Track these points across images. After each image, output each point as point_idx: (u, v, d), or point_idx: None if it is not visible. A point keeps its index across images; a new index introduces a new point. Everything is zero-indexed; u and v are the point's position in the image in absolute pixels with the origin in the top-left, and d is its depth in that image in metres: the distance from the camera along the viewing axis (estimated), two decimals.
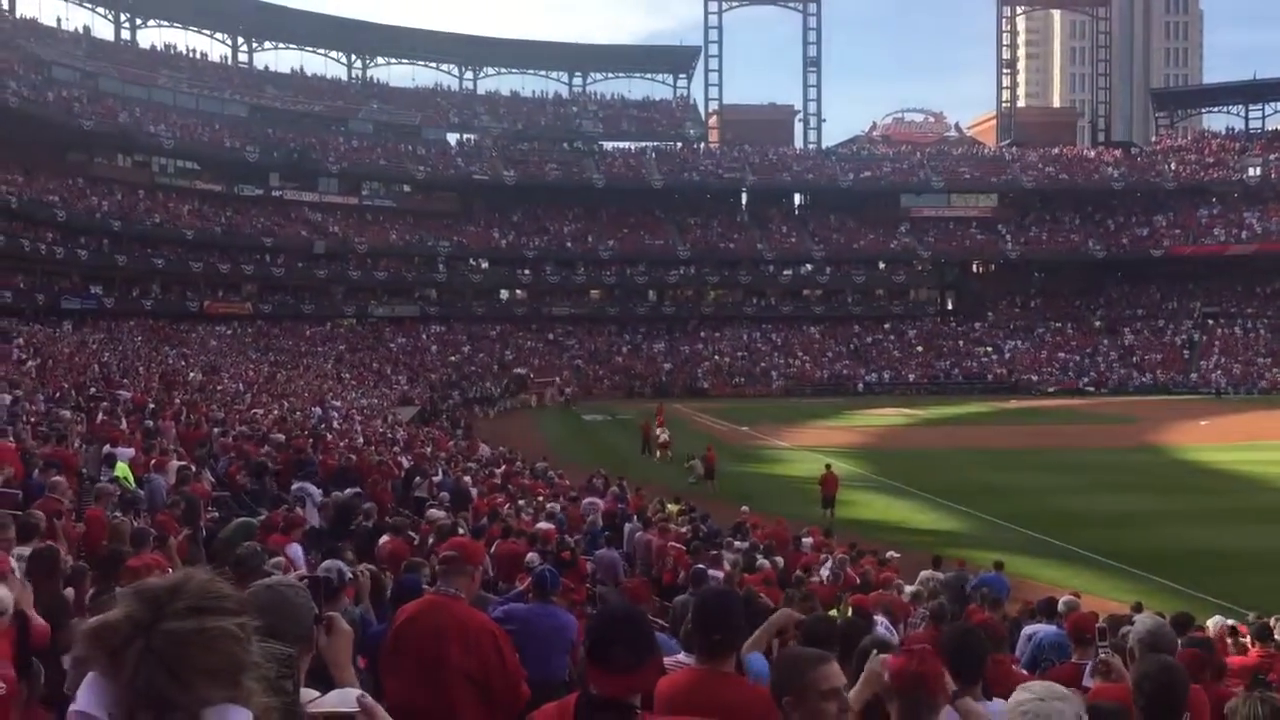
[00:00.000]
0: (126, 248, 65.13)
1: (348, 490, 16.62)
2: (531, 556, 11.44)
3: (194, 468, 15.73)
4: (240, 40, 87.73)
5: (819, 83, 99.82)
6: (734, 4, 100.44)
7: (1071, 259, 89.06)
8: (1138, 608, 12.64)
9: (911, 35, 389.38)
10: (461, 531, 12.08)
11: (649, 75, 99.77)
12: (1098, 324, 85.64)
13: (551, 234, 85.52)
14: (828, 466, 28.19)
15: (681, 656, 4.77)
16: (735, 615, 4.09)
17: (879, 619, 9.21)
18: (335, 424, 31.78)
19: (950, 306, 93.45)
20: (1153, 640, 5.71)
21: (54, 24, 73.75)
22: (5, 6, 70.30)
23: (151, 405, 24.44)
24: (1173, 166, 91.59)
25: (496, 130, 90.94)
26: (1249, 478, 33.61)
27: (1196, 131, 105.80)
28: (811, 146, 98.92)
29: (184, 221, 69.98)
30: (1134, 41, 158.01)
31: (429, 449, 29.41)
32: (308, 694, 2.72)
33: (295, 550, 10.22)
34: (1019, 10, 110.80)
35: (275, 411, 30.65)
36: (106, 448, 15.78)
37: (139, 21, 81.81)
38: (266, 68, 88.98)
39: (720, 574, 13.05)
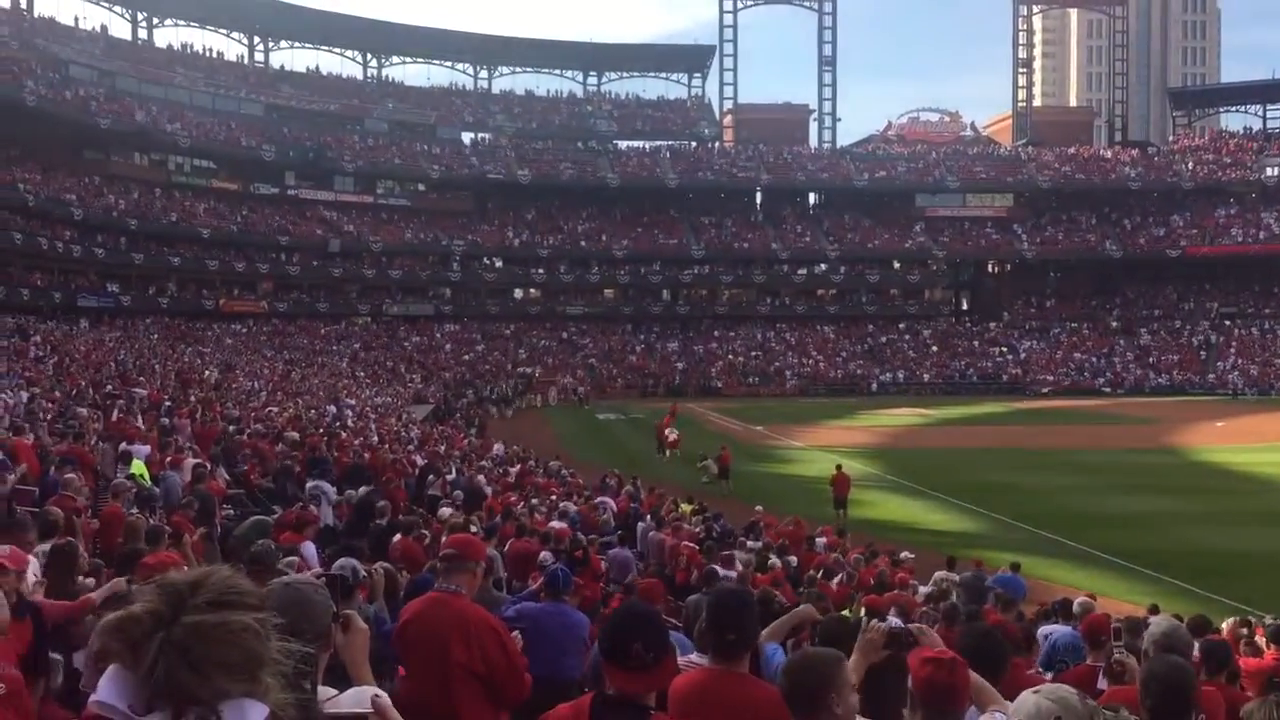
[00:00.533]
0: (143, 246, 65.44)
1: (363, 488, 16.68)
2: (544, 555, 11.46)
3: (209, 465, 15.79)
4: (256, 39, 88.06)
5: (834, 82, 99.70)
6: (749, 3, 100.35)
7: (1087, 259, 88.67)
8: (1154, 610, 12.59)
9: (927, 34, 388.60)
10: (474, 530, 12.09)
11: (664, 74, 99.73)
12: (1114, 324, 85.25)
13: (566, 233, 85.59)
14: (838, 467, 28.12)
15: (694, 656, 4.76)
16: (749, 615, 4.08)
17: (892, 619, 9.18)
18: (350, 422, 31.86)
19: (965, 306, 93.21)
20: (1167, 643, 5.69)
21: (71, 23, 74.17)
22: (23, 5, 70.66)
23: (167, 403, 24.55)
24: (1190, 166, 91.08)
25: (511, 129, 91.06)
26: (1266, 479, 33.39)
27: (1214, 131, 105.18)
28: (826, 146, 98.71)
29: (200, 220, 70.30)
30: (1151, 40, 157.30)
31: (443, 447, 29.49)
32: (325, 692, 2.73)
33: (308, 548, 10.24)
34: (1035, 9, 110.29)
35: (290, 410, 30.76)
36: (122, 445, 15.85)
37: (155, 21, 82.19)
38: (282, 67, 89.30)
39: (733, 574, 13.05)
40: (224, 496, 14.92)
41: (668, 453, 39.51)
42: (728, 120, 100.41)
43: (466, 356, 74.27)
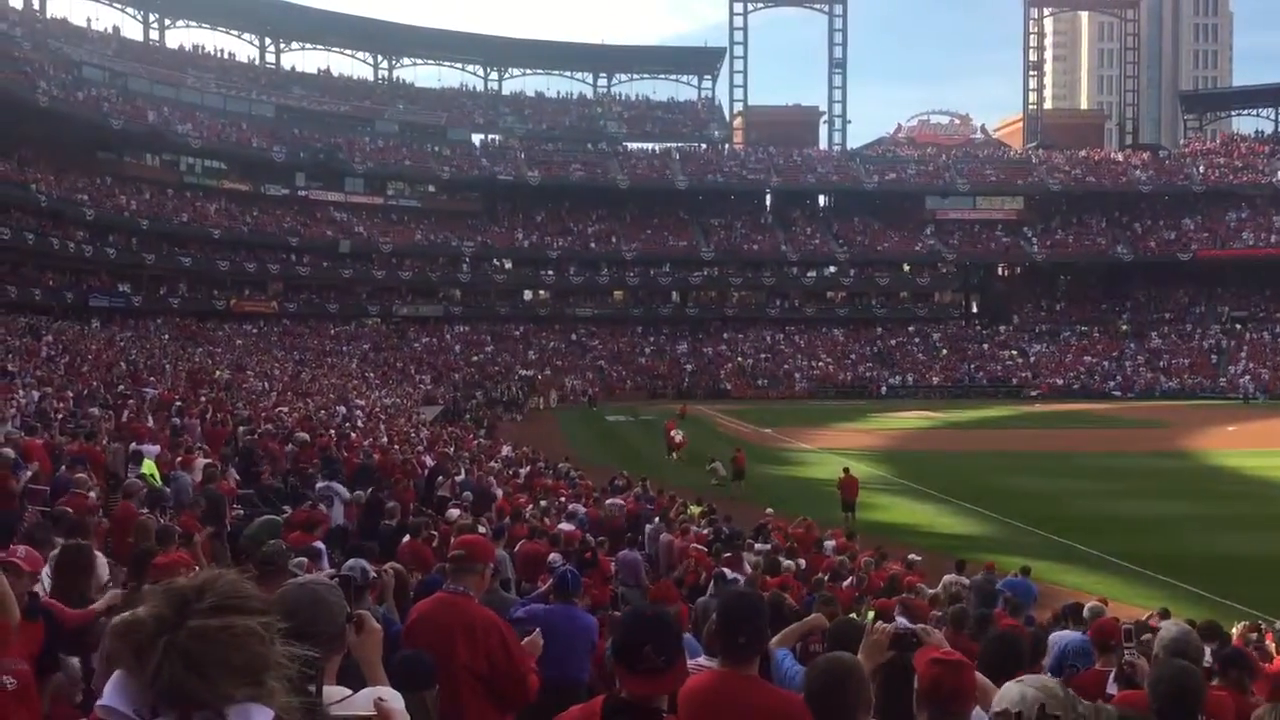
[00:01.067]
0: (154, 246, 65.66)
1: (370, 489, 16.71)
2: (554, 557, 11.46)
3: (220, 465, 15.82)
4: (267, 41, 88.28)
5: (844, 84, 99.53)
6: (759, 5, 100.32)
7: (1098, 262, 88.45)
8: (1164, 614, 12.54)
9: (938, 37, 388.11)
10: (482, 531, 12.10)
11: (674, 76, 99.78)
12: (1124, 328, 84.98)
13: (575, 235, 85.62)
14: (846, 470, 28.08)
15: (703, 659, 4.76)
16: (759, 618, 4.07)
17: (901, 620, 9.16)
18: (359, 423, 31.91)
19: (975, 310, 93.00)
20: (1177, 647, 5.68)
21: (84, 24, 74.46)
22: (36, 6, 71.00)
23: (178, 403, 24.61)
24: (1201, 169, 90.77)
25: (521, 131, 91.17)
26: (1277, 484, 33.25)
27: (1225, 134, 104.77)
28: (836, 148, 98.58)
29: (211, 221, 70.51)
30: (1162, 43, 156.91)
31: (452, 449, 29.51)
32: (340, 692, 2.73)
33: (321, 549, 10.24)
34: (1046, 12, 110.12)
35: (300, 410, 30.83)
36: (133, 445, 15.90)
37: (168, 22, 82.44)
38: (293, 68, 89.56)
39: (741, 576, 13.03)
40: (234, 497, 14.95)
41: (674, 454, 39.49)
42: (738, 122, 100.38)
43: (476, 358, 74.34)
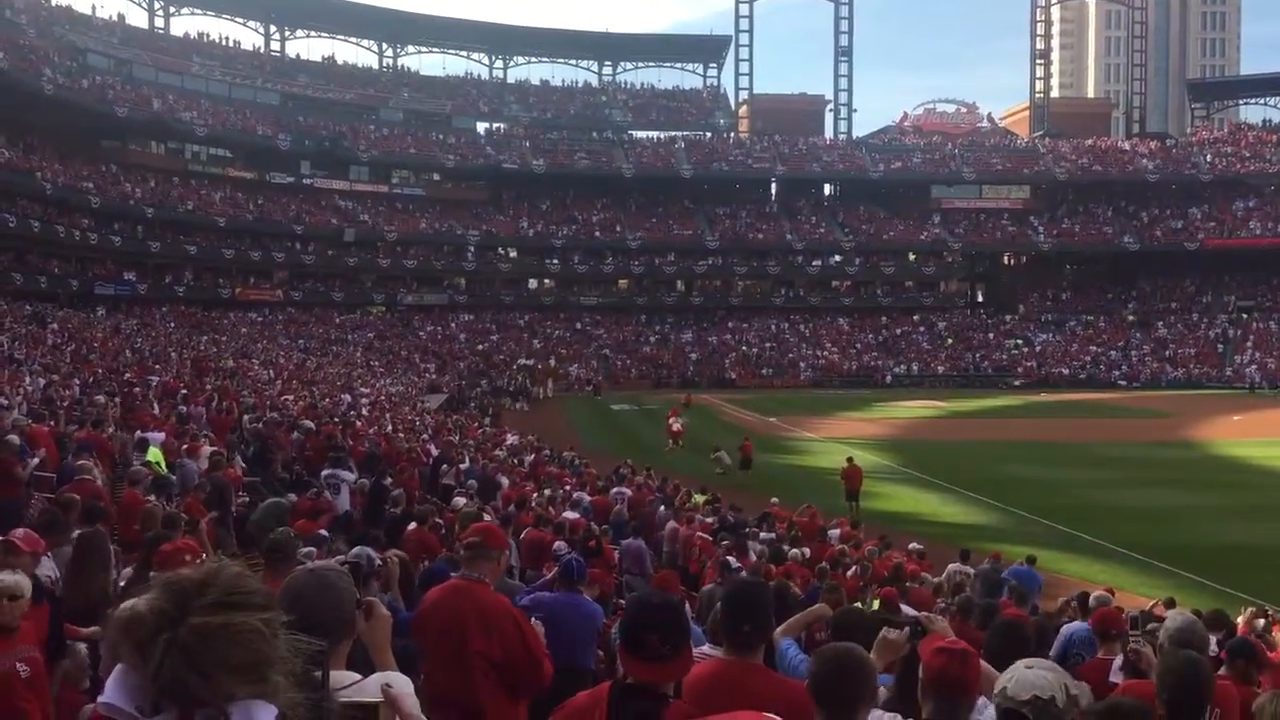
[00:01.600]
0: (159, 234, 65.76)
1: (376, 477, 16.73)
2: (559, 545, 11.48)
3: (225, 453, 15.84)
4: (272, 28, 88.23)
5: (850, 73, 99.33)
6: None
7: (1104, 251, 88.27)
8: (1170, 603, 12.54)
9: (944, 25, 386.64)
10: (488, 519, 12.11)
11: (679, 65, 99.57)
12: (1130, 318, 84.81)
13: (580, 223, 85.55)
14: (850, 460, 28.06)
15: (707, 648, 4.75)
16: (764, 607, 4.07)
17: (906, 609, 9.17)
18: (364, 411, 31.94)
19: (980, 299, 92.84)
20: (1183, 637, 5.68)
21: (89, 12, 74.38)
22: None
23: (184, 390, 24.65)
24: (1208, 158, 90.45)
25: (526, 119, 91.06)
26: None
27: (1233, 123, 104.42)
28: (842, 137, 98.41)
29: (216, 209, 70.53)
30: (1170, 32, 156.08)
31: (456, 437, 29.54)
32: (350, 677, 2.73)
33: (326, 537, 10.25)
34: (1053, 0, 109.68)
35: (306, 398, 30.86)
36: (138, 432, 15.92)
37: (172, 9, 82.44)
38: (298, 56, 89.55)
39: (745, 565, 13.05)
40: (240, 484, 14.97)
41: (670, 443, 39.04)
42: (743, 111, 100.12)
43: (481, 346, 74.36)
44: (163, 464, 14.23)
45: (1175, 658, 4.64)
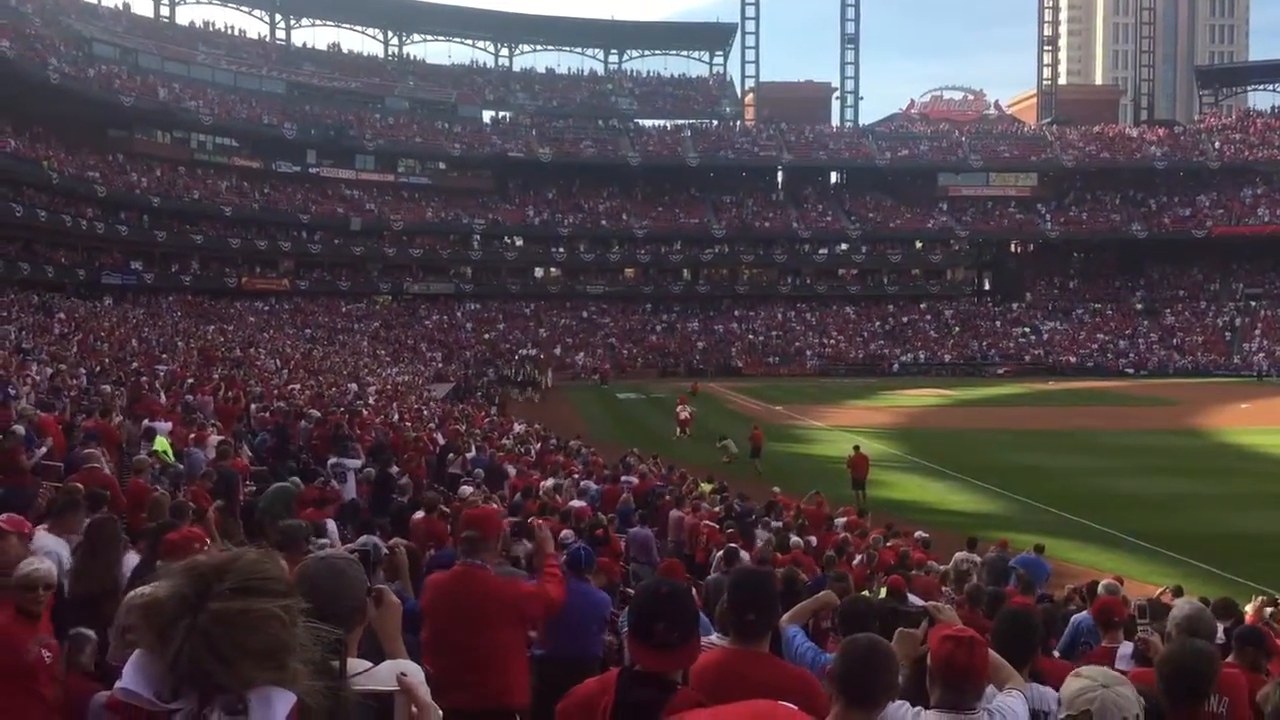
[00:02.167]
0: (166, 224, 65.82)
1: (382, 466, 16.74)
2: (566, 533, 11.47)
3: (232, 442, 15.86)
4: (278, 17, 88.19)
5: (856, 60, 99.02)
6: None
7: (1112, 239, 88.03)
8: (1178, 591, 12.51)
9: (951, 12, 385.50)
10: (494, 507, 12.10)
11: (685, 52, 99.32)
12: (1138, 305, 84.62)
13: (586, 212, 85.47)
14: (856, 448, 28.04)
15: (714, 637, 4.75)
16: (769, 596, 4.06)
17: (912, 598, 9.16)
18: (371, 400, 31.96)
19: (987, 287, 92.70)
20: (1191, 625, 5.66)
21: (94, 1, 74.33)
22: None
23: (190, 380, 24.68)
24: (1217, 145, 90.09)
25: (532, 108, 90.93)
26: None
27: (1241, 110, 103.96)
28: (848, 124, 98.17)
29: (222, 198, 70.56)
30: (1178, 18, 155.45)
31: (463, 426, 29.54)
32: (361, 664, 2.73)
33: (330, 526, 10.28)
34: None
35: (312, 387, 30.89)
36: (145, 421, 15.93)
37: None
38: (304, 45, 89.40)
39: (752, 554, 13.04)
40: (247, 473, 14.98)
41: (677, 431, 39.42)
42: (749, 99, 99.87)
43: (487, 335, 74.41)
44: (170, 453, 14.25)
45: (1175, 646, 4.64)
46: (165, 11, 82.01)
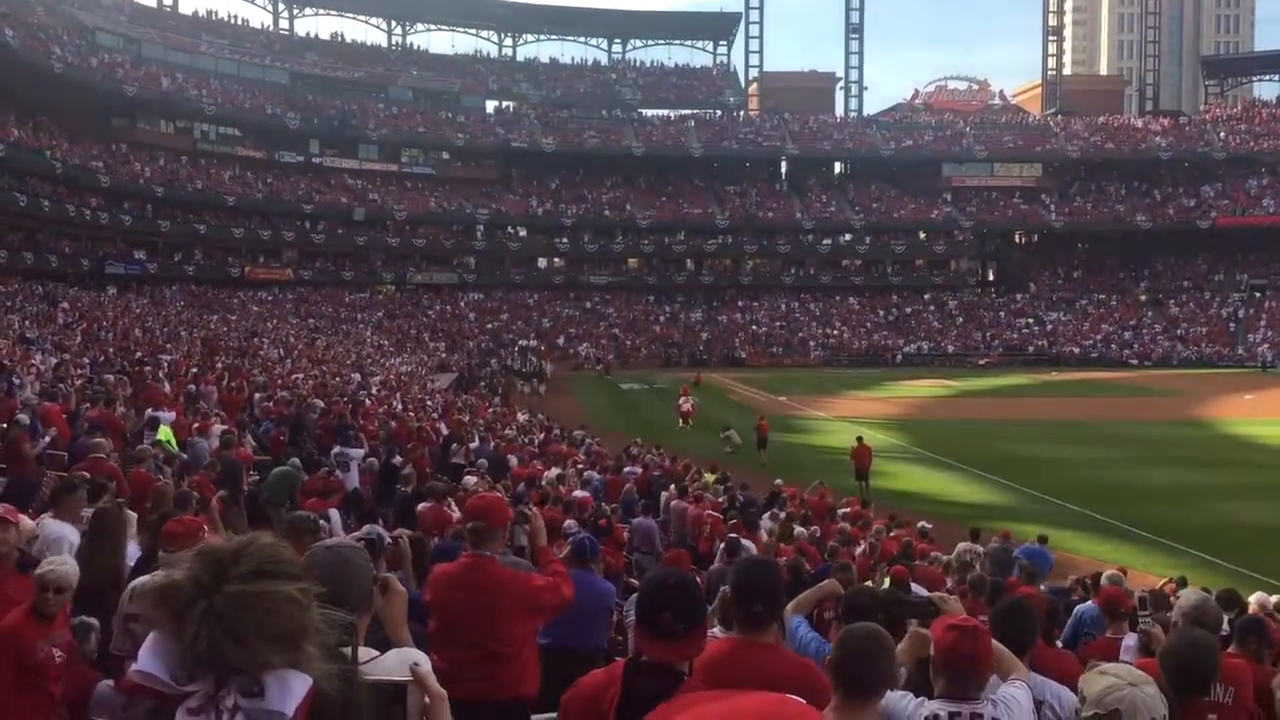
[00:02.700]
0: (169, 213, 65.81)
1: (386, 456, 16.76)
2: (569, 523, 11.48)
3: (236, 432, 15.87)
4: (281, 6, 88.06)
5: (861, 50, 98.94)
6: None
7: (1116, 230, 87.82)
8: (1182, 582, 12.50)
9: (956, 2, 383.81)
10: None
11: (689, 42, 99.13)
12: (1142, 296, 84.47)
13: (589, 202, 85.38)
14: (859, 439, 28.03)
15: (716, 631, 4.74)
16: (776, 586, 4.05)
17: (916, 588, 9.15)
18: (374, 390, 31.99)
19: (991, 277, 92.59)
20: (1196, 615, 5.66)
21: None
22: None
23: (194, 369, 24.69)
24: (1222, 136, 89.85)
25: (535, 98, 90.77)
26: None
27: (1247, 100, 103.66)
28: (853, 114, 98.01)
29: (225, 188, 70.53)
30: (1183, 8, 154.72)
31: (466, 416, 29.55)
32: (369, 652, 2.73)
33: (333, 516, 10.29)
34: None
35: (315, 377, 30.91)
36: (149, 411, 15.94)
37: None
38: (307, 34, 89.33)
39: (754, 544, 13.04)
40: (251, 463, 15.00)
41: (679, 423, 39.43)
42: (753, 89, 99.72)
43: (490, 325, 74.42)
44: (174, 442, 14.26)
45: (1177, 637, 4.64)
46: (168, 1, 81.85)
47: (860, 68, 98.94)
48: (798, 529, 15.52)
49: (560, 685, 3.65)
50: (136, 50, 70.80)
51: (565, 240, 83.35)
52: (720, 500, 18.12)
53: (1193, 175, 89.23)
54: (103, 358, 24.80)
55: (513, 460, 20.61)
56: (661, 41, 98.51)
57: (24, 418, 12.27)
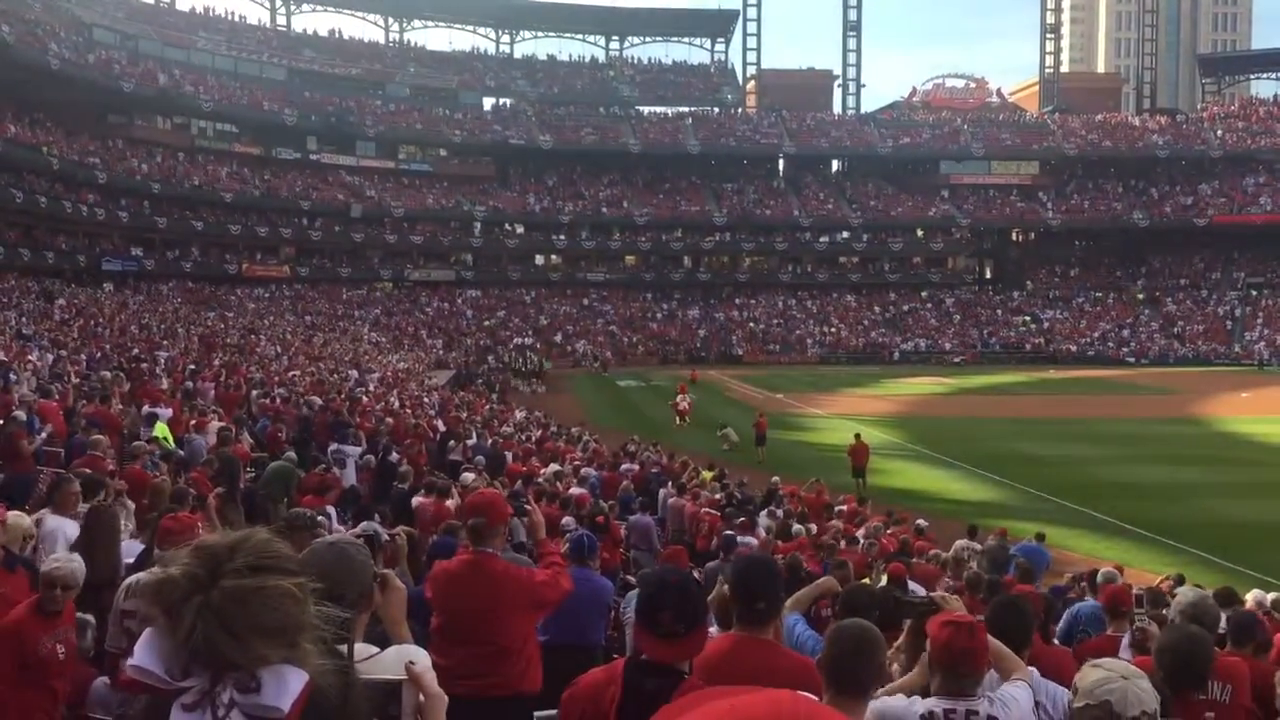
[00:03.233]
0: (166, 210, 65.69)
1: (383, 453, 16.74)
2: (567, 520, 11.48)
3: (233, 429, 15.85)
4: (278, 3, 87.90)
5: (859, 47, 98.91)
6: None
7: (1113, 228, 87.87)
8: (1179, 580, 12.51)
9: (954, 0, 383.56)
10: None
11: (686, 39, 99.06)
12: (1139, 294, 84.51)
13: (587, 199, 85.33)
14: (857, 436, 28.05)
15: (713, 630, 4.74)
16: (776, 583, 4.06)
17: (913, 586, 9.15)
18: (371, 387, 31.96)
19: (988, 275, 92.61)
20: (1193, 613, 5.66)
21: None
22: None
23: (191, 366, 24.67)
24: (1219, 134, 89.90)
25: (533, 95, 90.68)
26: None
27: (1244, 98, 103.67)
28: (850, 112, 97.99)
29: (222, 184, 70.43)
30: (1181, 5, 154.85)
31: (464, 413, 29.54)
32: (368, 649, 2.73)
33: (330, 512, 10.27)
34: None
35: (313, 374, 30.88)
36: (146, 407, 15.92)
37: None
38: (304, 30, 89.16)
39: (753, 541, 13.05)
40: (249, 460, 14.98)
41: (676, 420, 39.41)
42: (751, 86, 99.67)
43: (487, 322, 74.38)
44: (170, 439, 14.25)
45: (1172, 634, 4.64)
46: None
47: (858, 65, 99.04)
48: (796, 526, 15.51)
49: (559, 682, 3.66)
50: (133, 46, 70.63)
51: (563, 237, 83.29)
52: (717, 497, 18.12)
53: (1190, 173, 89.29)
54: (99, 354, 24.77)
55: (509, 457, 20.61)
56: (659, 39, 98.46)
57: (20, 414, 12.26)
